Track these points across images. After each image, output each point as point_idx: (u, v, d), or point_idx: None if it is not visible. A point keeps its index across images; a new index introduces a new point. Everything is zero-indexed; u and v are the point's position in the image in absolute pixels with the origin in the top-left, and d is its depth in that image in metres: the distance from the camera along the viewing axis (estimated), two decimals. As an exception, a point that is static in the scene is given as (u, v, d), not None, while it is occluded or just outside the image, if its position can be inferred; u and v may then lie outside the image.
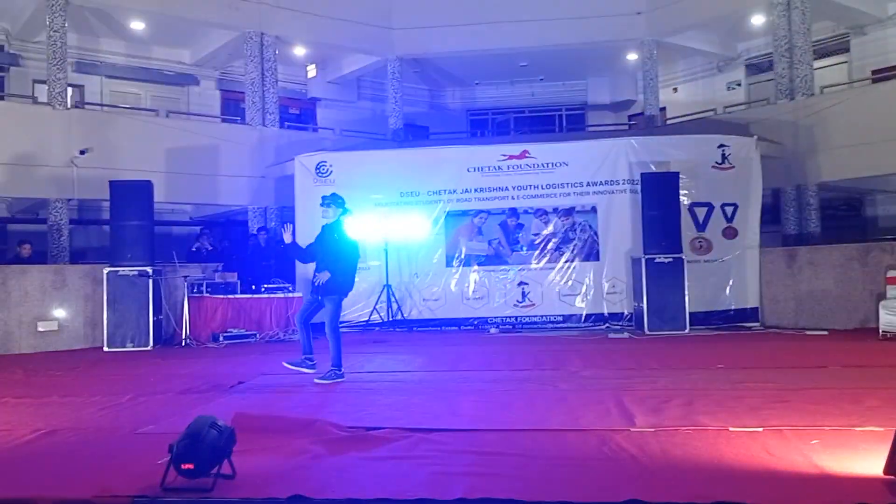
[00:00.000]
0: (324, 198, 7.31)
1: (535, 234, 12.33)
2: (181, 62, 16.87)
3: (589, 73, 18.93)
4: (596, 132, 17.25)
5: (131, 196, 10.80)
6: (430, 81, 19.17)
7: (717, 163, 12.00)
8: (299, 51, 16.77)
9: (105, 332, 10.45)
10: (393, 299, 12.24)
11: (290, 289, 11.75)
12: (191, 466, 3.56)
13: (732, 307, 11.86)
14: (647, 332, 10.89)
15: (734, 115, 14.86)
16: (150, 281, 10.56)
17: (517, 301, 12.25)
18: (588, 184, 12.23)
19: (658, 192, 11.17)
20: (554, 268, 12.24)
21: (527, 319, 12.17)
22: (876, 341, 9.42)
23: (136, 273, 10.55)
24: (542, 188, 12.31)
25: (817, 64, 14.61)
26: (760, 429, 4.61)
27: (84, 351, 10.42)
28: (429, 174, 12.62)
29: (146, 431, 5.02)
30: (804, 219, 13.71)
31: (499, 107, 19.96)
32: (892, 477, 3.53)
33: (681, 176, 11.46)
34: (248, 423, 4.63)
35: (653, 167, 11.89)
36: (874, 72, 14.75)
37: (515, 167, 12.35)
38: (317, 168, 12.76)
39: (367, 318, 12.26)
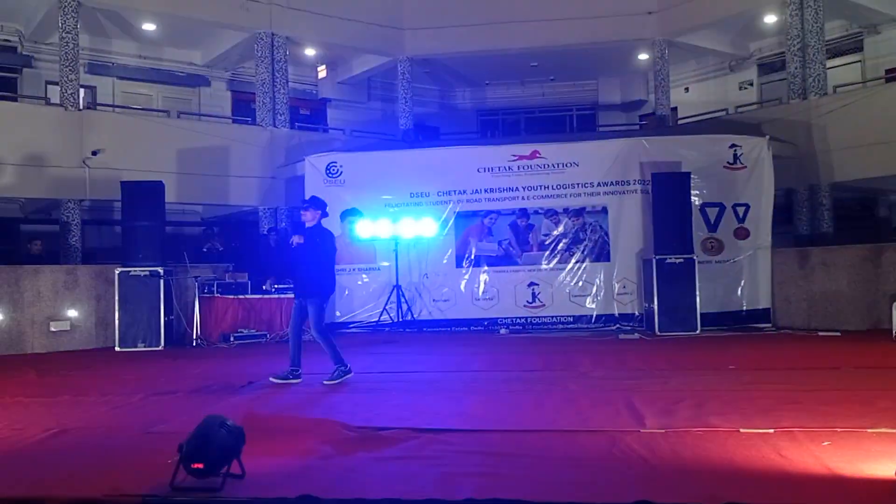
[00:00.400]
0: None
1: (546, 235, 12.30)
2: (192, 63, 16.95)
3: (600, 73, 18.88)
4: (607, 132, 17.20)
5: (142, 196, 10.86)
6: (441, 82, 19.18)
7: (728, 163, 11.94)
8: (310, 51, 16.82)
9: (116, 332, 10.51)
10: (403, 300, 12.25)
11: (301, 289, 11.75)
12: (200, 466, 3.57)
13: (744, 308, 11.80)
14: (658, 334, 10.86)
15: (746, 114, 14.79)
16: (162, 281, 10.61)
17: (527, 302, 12.23)
18: (599, 184, 12.19)
19: (669, 192, 11.13)
20: (564, 268, 12.21)
21: (537, 320, 12.15)
22: (889, 343, 9.35)
23: (147, 273, 10.60)
24: (553, 189, 12.29)
25: (830, 63, 14.52)
26: (772, 430, 4.59)
27: (96, 351, 10.49)
28: (439, 175, 12.61)
29: (156, 431, 5.05)
30: (817, 219, 13.63)
31: (509, 107, 19.94)
32: (905, 479, 3.50)
33: (692, 176, 11.41)
34: (258, 423, 4.65)
35: (664, 167, 11.81)
36: (888, 71, 14.65)
37: (526, 167, 12.34)
38: (327, 169, 12.79)
39: (377, 319, 12.27)
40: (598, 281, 12.12)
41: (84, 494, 3.57)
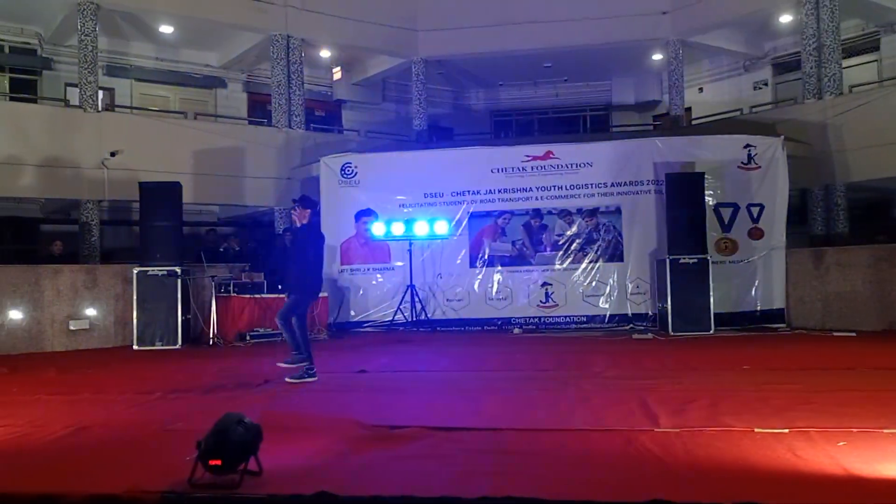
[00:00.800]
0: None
1: (559, 235, 12.30)
2: (209, 65, 17.07)
3: (613, 73, 18.84)
4: (620, 133, 17.16)
5: (160, 197, 10.94)
6: (454, 83, 19.21)
7: (742, 163, 11.89)
8: (325, 53, 16.89)
9: (135, 330, 10.61)
10: (417, 299, 12.28)
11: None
12: (218, 463, 3.60)
13: (758, 308, 11.73)
14: (672, 334, 10.82)
15: (761, 115, 14.71)
16: (179, 281, 10.69)
17: (541, 302, 12.23)
18: (612, 184, 12.18)
19: (683, 192, 11.09)
20: (578, 268, 12.20)
21: (550, 320, 12.15)
22: (905, 343, 9.27)
23: (164, 273, 10.69)
24: (566, 189, 12.28)
25: (846, 63, 14.41)
26: (786, 430, 4.57)
27: (114, 349, 10.59)
28: (453, 175, 12.64)
29: (175, 428, 5.09)
30: (832, 219, 13.53)
31: (522, 108, 19.94)
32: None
33: (706, 176, 11.36)
34: (275, 421, 4.68)
35: (678, 167, 11.80)
36: (904, 70, 14.52)
37: (539, 168, 12.34)
38: (342, 169, 12.85)
39: (391, 318, 12.31)
40: (611, 281, 12.10)
41: (104, 491, 3.61)
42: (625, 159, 12.22)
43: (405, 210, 12.61)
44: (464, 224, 12.52)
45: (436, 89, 18.59)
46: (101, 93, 13.92)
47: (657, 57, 17.35)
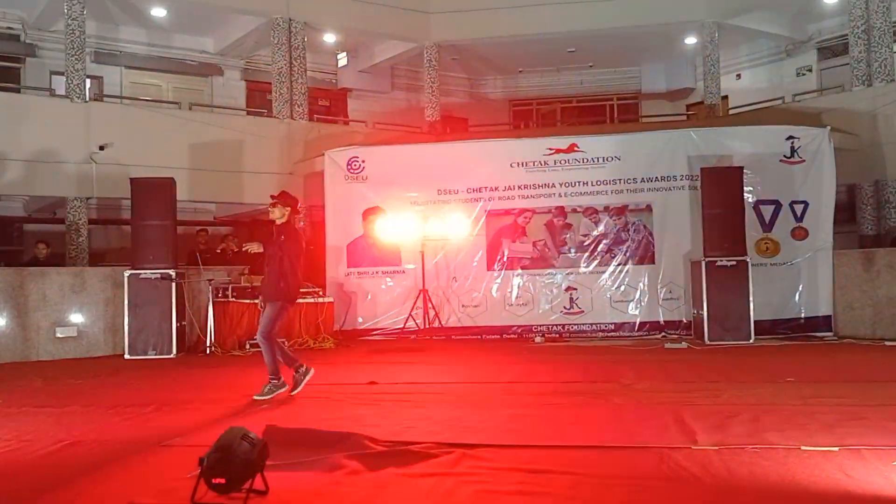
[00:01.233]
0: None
1: (585, 235, 12.32)
2: (204, 51, 17.19)
3: (643, 58, 18.82)
4: (651, 123, 17.13)
5: (153, 194, 11.02)
6: (470, 69, 19.24)
7: (785, 156, 11.85)
8: (329, 38, 16.97)
9: (126, 338, 10.69)
10: (430, 305, 12.32)
11: (320, 293, 11.90)
12: (222, 481, 3.65)
13: (802, 315, 11.69)
14: (708, 342, 10.80)
15: (805, 103, 14.66)
16: (173, 284, 10.77)
17: (564, 308, 12.25)
18: (642, 180, 12.19)
19: (720, 188, 11.07)
20: (605, 271, 12.22)
21: (575, 328, 12.17)
22: (965, 353, 9.22)
23: (158, 276, 10.77)
24: (592, 185, 12.30)
25: (898, 46, 14.35)
26: (836, 448, 4.57)
27: (104, 358, 10.68)
28: (469, 170, 12.69)
29: (173, 444, 5.14)
30: (883, 217, 13.46)
31: (544, 96, 19.96)
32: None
33: (745, 171, 11.33)
34: (280, 436, 4.73)
35: (714, 161, 11.79)
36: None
37: (563, 162, 12.36)
38: (348, 164, 12.92)
39: (402, 326, 12.38)
40: (641, 285, 12.11)
41: (100, 510, 3.66)
42: (656, 152, 12.22)
43: (417, 208, 12.66)
44: (481, 223, 12.56)
45: (450, 76, 18.65)
46: (88, 81, 14.03)
47: (691, 40, 17.32)
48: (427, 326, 12.30)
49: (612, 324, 12.12)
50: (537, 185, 12.43)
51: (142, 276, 10.80)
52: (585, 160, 12.34)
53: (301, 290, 8.01)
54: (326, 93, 18.47)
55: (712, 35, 16.29)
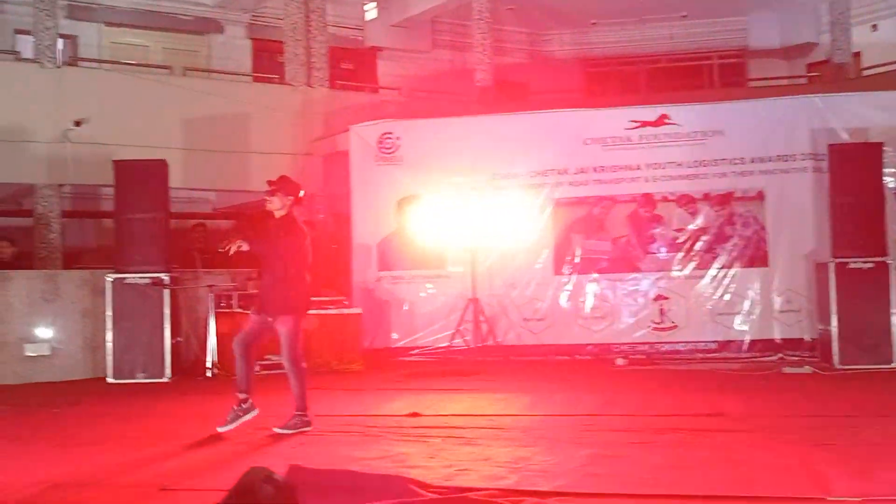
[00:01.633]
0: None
1: (679, 230, 12.26)
2: (200, 3, 17.44)
3: (751, 6, 18.65)
4: (762, 88, 16.98)
5: (141, 180, 11.19)
6: (531, 22, 19.24)
7: (937, 129, 11.71)
8: (354, -17, 17.14)
9: (109, 358, 10.88)
10: (482, 318, 12.36)
11: (346, 302, 12.00)
12: (242, 533, 3.74)
13: (962, 332, 11.51)
14: (839, 367, 10.67)
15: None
16: (167, 292, 10.96)
17: (653, 321, 12.21)
18: (752, 160, 12.10)
19: (853, 170, 10.94)
20: (704, 276, 12.14)
21: (666, 347, 12.13)
22: None
23: (147, 280, 10.97)
24: (689, 166, 12.24)
25: None
26: None
27: (83, 382, 10.90)
28: (530, 148, 12.71)
29: (175, 487, 5.25)
30: None
31: (624, 55, 19.87)
32: None
33: (885, 148, 11.20)
34: (308, 479, 4.79)
35: (845, 136, 11.69)
36: None
37: (650, 137, 12.32)
38: (380, 141, 13.02)
39: (446, 343, 12.44)
40: (751, 293, 12.02)
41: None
42: (770, 125, 12.13)
43: (465, 196, 12.70)
44: (546, 215, 12.57)
45: (505, 31, 18.64)
46: (60, 42, 14.31)
47: (813, -18, 17.14)
48: (478, 344, 12.34)
49: (713, 342, 12.04)
50: (618, 166, 12.40)
51: (128, 280, 11.00)
52: (679, 135, 12.27)
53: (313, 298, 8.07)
54: (351, 53, 18.63)
55: (841, -25, 16.10)
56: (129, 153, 12.13)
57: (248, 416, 7.10)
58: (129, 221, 11.19)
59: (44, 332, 11.15)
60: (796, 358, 11.52)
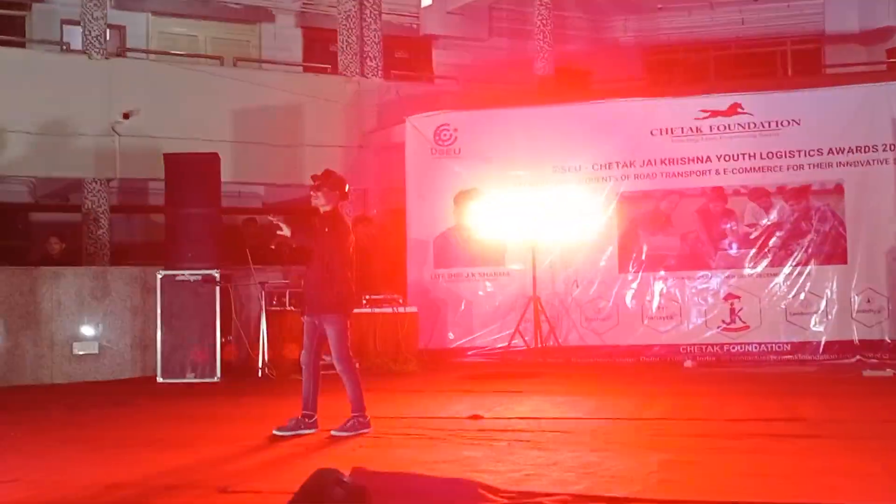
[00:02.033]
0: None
1: (751, 226, 12.19)
2: (250, -10, 17.65)
3: (827, -12, 18.44)
4: (840, 75, 16.75)
5: (192, 174, 11.43)
6: (593, 7, 19.17)
7: None
8: (409, -32, 17.21)
9: (159, 357, 11.12)
10: (543, 318, 12.37)
11: (401, 301, 12.09)
12: (312, 536, 3.81)
13: None
14: (924, 370, 10.58)
15: None
16: (218, 289, 11.12)
17: (723, 322, 12.14)
18: (830, 151, 12.01)
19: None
20: (778, 274, 12.07)
21: (737, 348, 12.06)
22: None
23: (198, 278, 11.15)
24: (761, 158, 12.17)
25: None
26: None
27: (133, 382, 11.16)
28: (594, 140, 12.72)
29: (237, 489, 5.34)
30: None
31: (692, 41, 19.68)
32: None
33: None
34: (373, 483, 4.86)
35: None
36: None
37: (721, 128, 12.27)
38: (436, 133, 13.10)
39: (505, 343, 12.48)
40: (828, 292, 11.93)
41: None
42: (849, 114, 12.05)
43: (526, 190, 12.72)
44: (611, 210, 12.56)
45: (566, 17, 18.59)
46: (108, 32, 14.54)
47: (894, -38, 16.87)
48: (539, 345, 12.36)
49: (787, 343, 11.95)
50: (687, 159, 12.36)
51: (178, 278, 11.21)
52: (752, 125, 12.21)
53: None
54: (405, 42, 18.69)
55: (925, -47, 15.84)
56: (177, 146, 12.36)
57: (307, 431, 7.19)
58: (179, 216, 11.41)
59: (93, 330, 11.39)
60: (875, 361, 11.40)
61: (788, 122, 12.16)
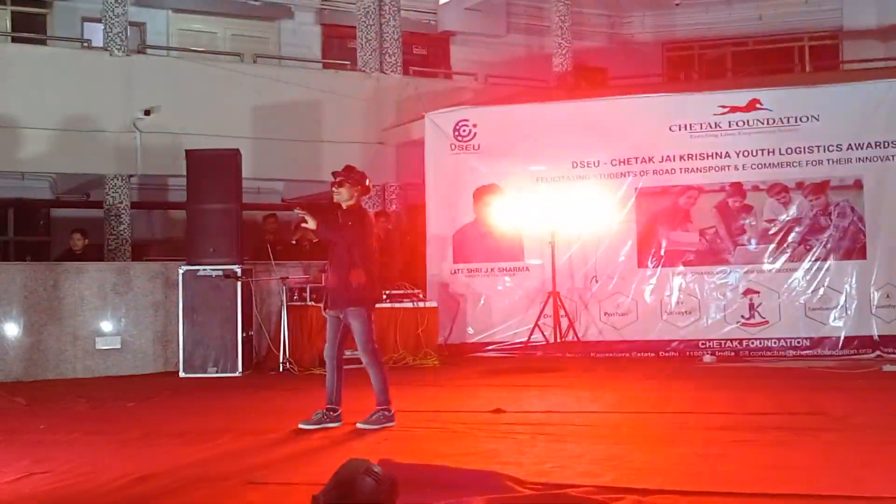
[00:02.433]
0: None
1: (770, 221, 12.14)
2: (269, -12, 17.71)
3: (844, -17, 18.37)
4: (858, 71, 16.71)
5: (213, 170, 11.44)
6: (611, 4, 19.15)
7: None
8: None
9: (181, 352, 11.16)
10: (562, 313, 12.38)
11: (420, 296, 12.11)
12: (345, 525, 3.83)
13: None
14: (942, 365, 10.55)
15: None
16: (239, 284, 11.18)
17: (742, 317, 12.10)
18: (849, 147, 11.94)
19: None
20: (797, 269, 12.01)
21: (756, 343, 12.01)
22: None
23: (220, 273, 11.19)
24: (780, 154, 12.11)
25: None
26: None
27: (155, 377, 11.19)
28: (612, 136, 12.67)
29: (263, 480, 5.41)
30: None
31: (709, 37, 19.68)
32: None
33: None
34: (401, 474, 4.88)
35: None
36: None
37: (740, 124, 12.21)
38: (455, 129, 13.08)
39: (525, 339, 12.48)
40: (847, 288, 11.87)
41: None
42: (868, 110, 11.97)
43: (544, 185, 12.74)
44: (630, 205, 12.53)
45: (584, 14, 18.58)
46: (128, 29, 14.63)
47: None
48: (558, 340, 12.36)
49: (806, 339, 11.90)
50: (706, 154, 12.31)
51: (200, 273, 11.24)
52: (771, 121, 12.15)
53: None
54: (423, 38, 18.73)
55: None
56: (197, 142, 12.41)
57: (332, 424, 7.23)
58: (201, 212, 11.43)
59: (115, 325, 11.45)
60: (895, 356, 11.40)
61: (807, 118, 12.10)
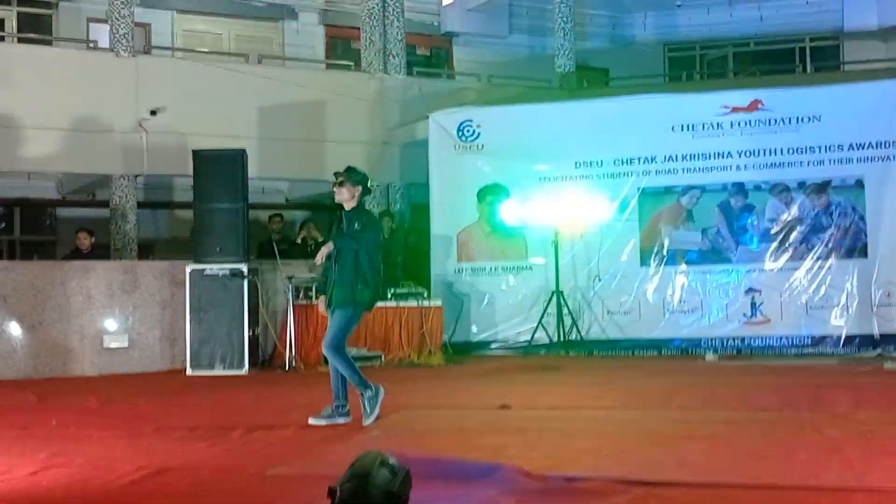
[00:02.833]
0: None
1: (772, 220, 12.23)
2: (273, -11, 17.76)
3: (846, -16, 18.42)
4: (859, 72, 16.78)
5: (220, 170, 11.53)
6: (613, 4, 19.20)
7: None
8: (430, -33, 17.31)
9: (188, 350, 11.23)
10: (565, 311, 12.45)
11: (425, 295, 12.17)
12: (361, 516, 3.89)
13: None
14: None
15: None
16: (246, 283, 11.25)
17: (744, 315, 12.19)
18: (851, 146, 12.04)
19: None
20: (799, 268, 12.10)
21: (758, 342, 12.12)
22: None
23: (226, 272, 11.27)
24: (782, 154, 12.21)
25: None
26: None
27: (162, 374, 11.26)
28: (615, 136, 12.75)
29: (279, 473, 5.48)
30: None
31: (711, 38, 19.71)
32: None
33: None
34: (415, 466, 4.96)
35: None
36: None
37: (742, 124, 12.30)
38: (459, 129, 13.16)
39: (528, 337, 12.58)
40: (849, 286, 11.96)
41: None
42: (869, 110, 12.06)
43: (547, 185, 12.83)
44: (632, 204, 12.63)
45: (586, 14, 18.64)
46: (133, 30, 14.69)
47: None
48: (562, 338, 12.45)
49: (808, 337, 12.00)
50: (708, 154, 12.40)
51: (207, 272, 11.31)
52: (773, 121, 12.24)
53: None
54: (426, 39, 18.77)
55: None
56: (203, 142, 12.44)
57: (341, 420, 7.28)
58: (207, 212, 11.52)
59: (122, 323, 11.52)
60: (896, 355, 11.48)
61: (809, 118, 12.19)
